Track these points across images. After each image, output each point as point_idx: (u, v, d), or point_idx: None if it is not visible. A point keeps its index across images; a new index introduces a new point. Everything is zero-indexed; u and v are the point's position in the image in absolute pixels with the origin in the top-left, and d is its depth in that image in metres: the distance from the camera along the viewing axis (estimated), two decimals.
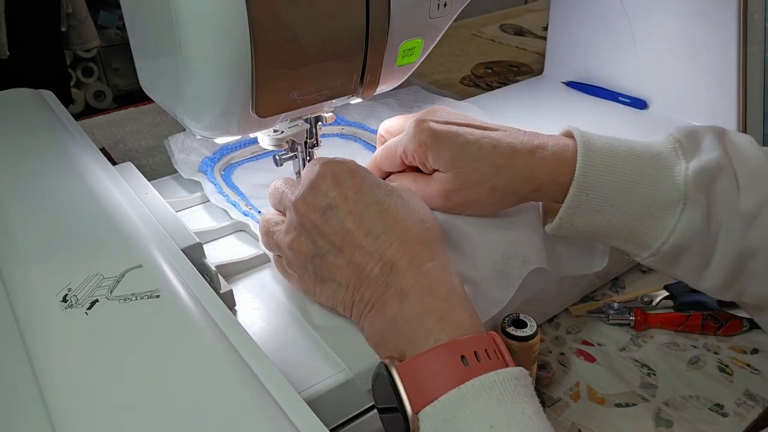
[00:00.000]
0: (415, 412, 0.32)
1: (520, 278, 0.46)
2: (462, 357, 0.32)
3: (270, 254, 0.47)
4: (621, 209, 0.43)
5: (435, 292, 0.36)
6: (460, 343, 0.33)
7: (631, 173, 0.43)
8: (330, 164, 0.40)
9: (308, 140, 0.54)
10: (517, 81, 0.94)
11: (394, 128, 0.52)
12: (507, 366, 0.33)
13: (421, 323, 0.35)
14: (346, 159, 0.41)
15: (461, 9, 0.49)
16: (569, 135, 0.45)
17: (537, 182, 0.44)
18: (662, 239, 0.43)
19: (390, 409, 0.33)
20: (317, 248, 0.39)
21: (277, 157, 0.54)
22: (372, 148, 0.66)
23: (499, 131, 0.45)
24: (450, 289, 0.36)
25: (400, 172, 0.50)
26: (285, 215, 0.43)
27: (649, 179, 0.43)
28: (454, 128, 0.45)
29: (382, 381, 0.34)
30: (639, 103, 0.73)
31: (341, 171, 0.40)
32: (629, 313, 0.56)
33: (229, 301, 0.44)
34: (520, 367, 0.34)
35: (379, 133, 0.54)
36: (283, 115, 0.45)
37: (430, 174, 0.46)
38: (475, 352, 0.33)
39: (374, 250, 0.37)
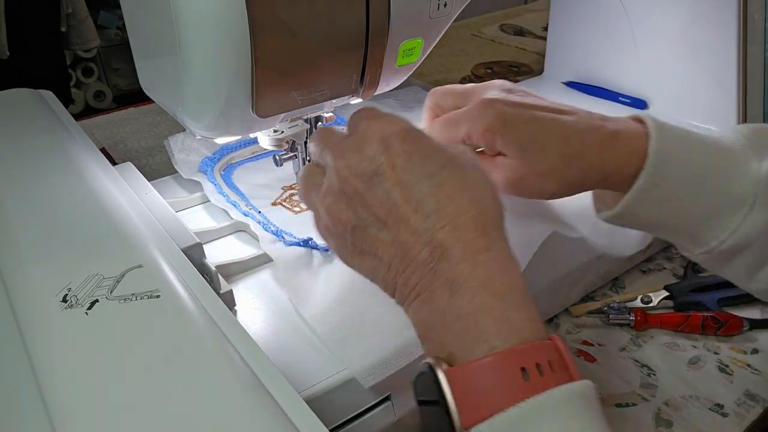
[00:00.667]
0: (466, 428, 0.28)
1: (537, 243, 0.45)
2: (522, 369, 0.29)
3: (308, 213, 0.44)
4: (687, 203, 0.41)
5: (491, 288, 0.31)
6: (520, 352, 0.29)
7: (703, 167, 0.40)
8: (379, 123, 0.35)
9: (308, 140, 0.54)
10: (517, 81, 0.94)
11: (447, 103, 0.47)
12: (572, 379, 0.29)
13: (474, 324, 0.31)
14: (399, 117, 0.36)
15: (461, 9, 0.49)
16: (638, 120, 0.43)
17: (606, 173, 0.42)
18: (721, 238, 0.41)
19: (431, 402, 0.30)
20: (358, 218, 0.34)
21: (277, 157, 0.54)
22: None
23: (569, 115, 0.43)
24: (509, 285, 0.32)
25: None
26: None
27: (720, 175, 0.40)
28: (525, 113, 0.42)
29: (428, 384, 0.30)
30: (639, 103, 0.73)
31: (392, 133, 0.34)
32: (629, 313, 0.56)
33: (229, 301, 0.44)
34: (586, 381, 0.30)
35: (427, 105, 0.49)
36: (283, 115, 0.46)
37: (494, 156, 0.43)
38: (537, 364, 0.29)
39: (423, 230, 0.32)
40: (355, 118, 0.37)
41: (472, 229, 0.32)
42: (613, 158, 0.41)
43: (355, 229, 0.35)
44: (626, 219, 0.43)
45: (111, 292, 0.34)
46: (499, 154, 0.43)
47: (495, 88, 0.45)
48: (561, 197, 0.45)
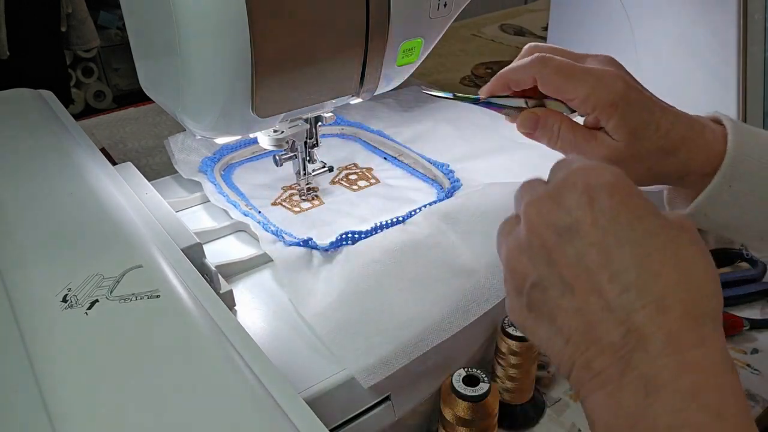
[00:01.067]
0: None
1: None
2: None
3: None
4: (760, 204, 0.41)
5: (702, 398, 0.25)
6: None
7: None
8: (586, 171, 0.30)
9: (308, 140, 0.54)
10: None
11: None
12: None
13: None
14: (608, 167, 0.30)
15: (461, 9, 0.49)
16: (717, 121, 0.43)
17: (688, 170, 0.42)
18: None
19: None
20: (540, 276, 0.30)
21: (277, 157, 0.54)
22: (372, 148, 0.66)
23: (671, 109, 0.43)
24: (725, 396, 0.25)
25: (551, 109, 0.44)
26: None
27: None
28: (643, 99, 0.42)
29: None
30: None
31: (599, 185, 0.29)
32: None
33: (228, 301, 0.44)
34: None
35: (528, 49, 0.45)
36: (283, 115, 0.46)
37: (591, 128, 0.43)
38: None
39: (618, 306, 0.27)
40: (557, 164, 0.33)
41: (681, 316, 0.27)
42: (696, 157, 0.42)
43: (533, 288, 0.30)
44: (698, 219, 0.43)
45: (111, 292, 0.34)
46: (598, 128, 0.42)
47: (612, 63, 0.43)
48: (643, 186, 0.42)
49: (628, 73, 0.43)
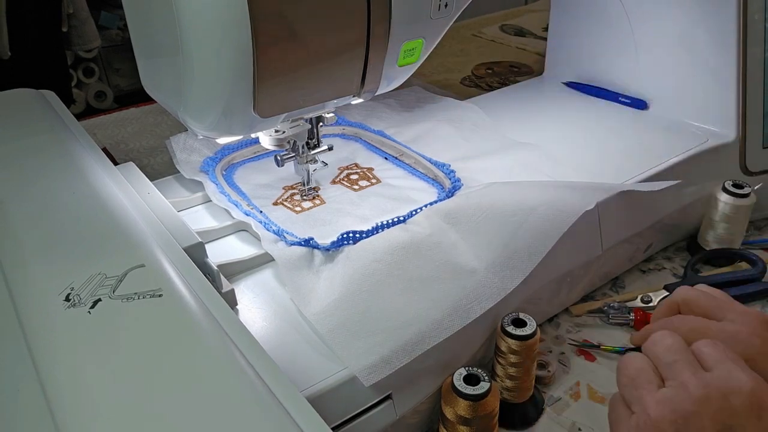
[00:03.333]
0: None
1: (526, 272, 0.46)
2: None
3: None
4: None
5: None
6: None
7: None
8: (755, 387, 0.35)
9: (309, 141, 0.54)
10: (518, 81, 0.94)
11: (698, 304, 0.43)
12: None
13: None
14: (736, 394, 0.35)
15: (462, 9, 0.49)
16: None
17: None
18: None
19: None
20: (689, 428, 0.35)
21: (279, 158, 0.54)
22: (373, 148, 0.67)
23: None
24: None
25: None
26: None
27: None
28: None
29: None
30: (639, 104, 0.73)
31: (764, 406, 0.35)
32: (629, 313, 0.56)
33: (230, 300, 0.45)
34: None
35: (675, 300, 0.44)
36: (285, 115, 0.46)
37: None
38: None
39: None
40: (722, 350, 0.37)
41: None
42: None
43: None
44: None
45: (113, 291, 0.35)
46: None
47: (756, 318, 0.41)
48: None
49: None
